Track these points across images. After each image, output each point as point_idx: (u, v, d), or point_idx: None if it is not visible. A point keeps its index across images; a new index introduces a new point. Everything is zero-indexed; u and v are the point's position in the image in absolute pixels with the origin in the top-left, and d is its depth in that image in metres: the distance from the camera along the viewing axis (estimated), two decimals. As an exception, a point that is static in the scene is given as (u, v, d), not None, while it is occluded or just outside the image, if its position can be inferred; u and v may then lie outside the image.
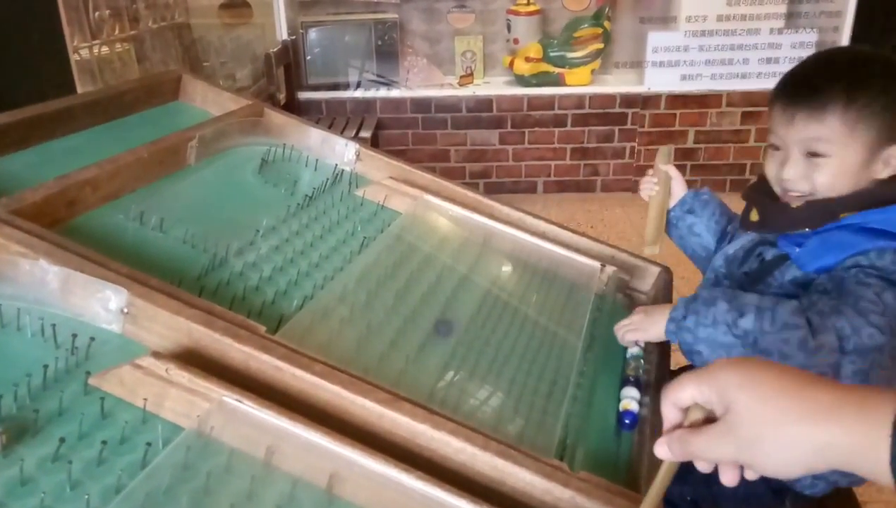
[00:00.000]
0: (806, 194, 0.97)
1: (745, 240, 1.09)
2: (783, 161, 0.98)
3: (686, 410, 0.59)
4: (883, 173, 0.94)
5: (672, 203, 1.22)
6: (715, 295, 0.92)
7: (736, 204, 1.15)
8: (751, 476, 0.57)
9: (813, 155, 0.95)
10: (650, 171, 1.24)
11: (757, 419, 0.52)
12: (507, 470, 0.69)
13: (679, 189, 1.22)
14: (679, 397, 0.59)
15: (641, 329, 1.00)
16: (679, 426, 0.59)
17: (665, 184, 1.21)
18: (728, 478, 0.57)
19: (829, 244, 0.93)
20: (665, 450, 0.59)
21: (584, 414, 0.87)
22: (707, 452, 0.56)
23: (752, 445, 0.53)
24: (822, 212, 0.94)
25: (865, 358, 0.83)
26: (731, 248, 1.11)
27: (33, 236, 0.75)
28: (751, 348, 0.87)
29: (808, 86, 0.95)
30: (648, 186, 1.23)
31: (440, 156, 3.79)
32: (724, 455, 0.55)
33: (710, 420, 0.57)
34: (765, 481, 1.06)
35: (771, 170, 1.01)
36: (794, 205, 0.98)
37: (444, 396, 0.81)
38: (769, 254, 1.03)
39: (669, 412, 0.60)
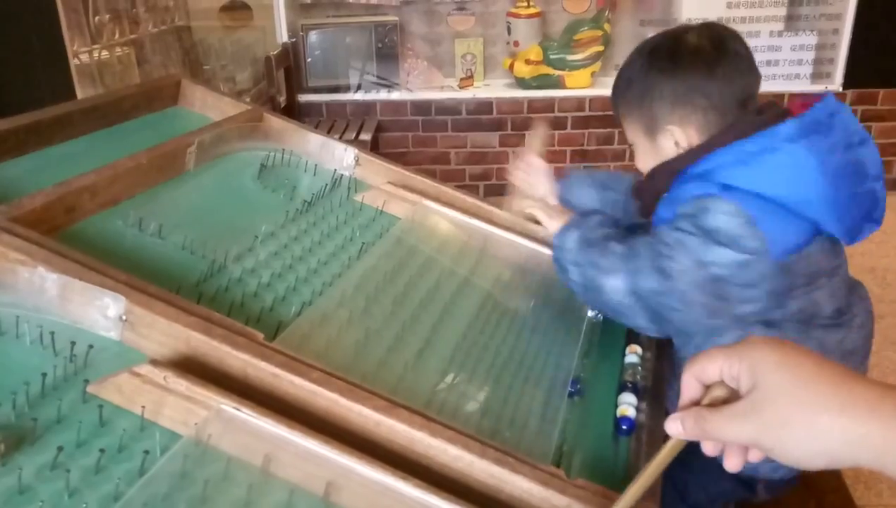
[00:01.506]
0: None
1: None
2: None
3: (708, 387, 0.56)
4: (679, 149, 1.02)
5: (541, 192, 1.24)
6: (584, 222, 1.04)
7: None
8: (754, 457, 0.54)
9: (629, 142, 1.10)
10: (517, 153, 1.27)
11: (791, 402, 0.49)
12: (504, 478, 0.69)
13: (545, 179, 1.23)
14: (706, 369, 0.55)
15: (549, 217, 1.10)
16: (696, 403, 0.56)
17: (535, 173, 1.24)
18: (733, 463, 0.54)
19: (665, 206, 1.02)
20: (678, 426, 0.55)
21: (582, 421, 0.87)
22: (725, 432, 0.53)
23: (778, 428, 0.50)
24: (665, 172, 1.04)
25: (648, 301, 0.94)
26: None
27: (32, 243, 0.75)
28: (571, 260, 1.01)
29: None
30: (517, 174, 1.25)
31: (440, 159, 3.79)
32: (743, 437, 0.52)
33: (729, 400, 0.54)
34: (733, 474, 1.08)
35: None
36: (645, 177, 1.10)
37: (442, 403, 0.81)
38: None
39: (690, 385, 0.56)
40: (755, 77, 1.02)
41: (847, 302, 1.04)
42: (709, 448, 0.56)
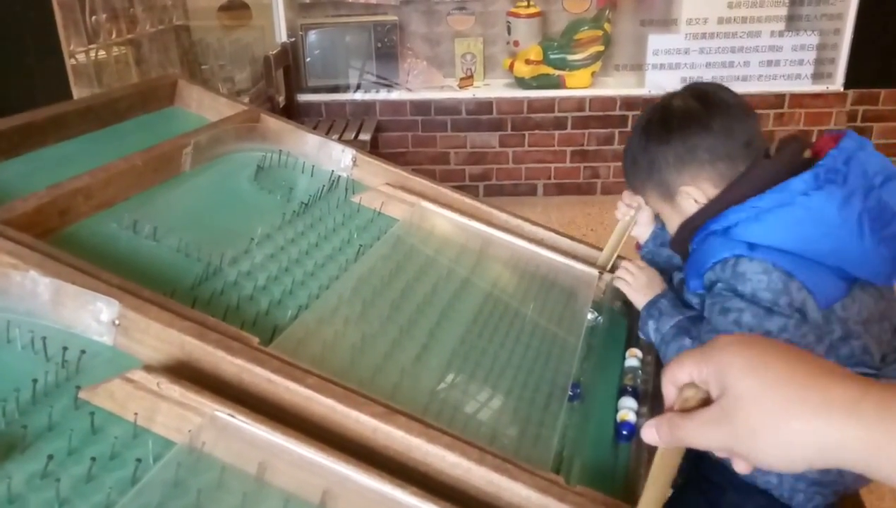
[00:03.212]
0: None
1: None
2: None
3: (680, 390, 0.54)
4: (700, 205, 1.02)
5: (637, 230, 1.25)
6: (657, 311, 1.06)
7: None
8: (742, 468, 0.52)
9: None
10: (629, 192, 1.25)
11: (760, 408, 0.47)
12: (502, 485, 0.68)
13: (646, 217, 1.24)
14: (677, 375, 0.54)
15: (634, 290, 1.12)
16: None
17: (638, 211, 1.23)
18: (740, 467, 0.52)
19: (693, 265, 1.02)
20: (653, 433, 0.54)
21: (582, 426, 0.87)
22: (697, 439, 0.51)
23: (749, 436, 0.48)
24: (687, 229, 1.04)
25: None
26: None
27: (24, 247, 0.74)
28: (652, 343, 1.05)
29: None
30: (624, 210, 1.25)
31: (440, 159, 3.78)
32: (715, 444, 0.50)
33: (707, 402, 0.52)
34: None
35: None
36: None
37: (439, 408, 0.80)
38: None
39: (669, 391, 0.55)
40: (752, 118, 1.02)
41: (893, 345, 1.01)
42: (720, 453, 0.53)
